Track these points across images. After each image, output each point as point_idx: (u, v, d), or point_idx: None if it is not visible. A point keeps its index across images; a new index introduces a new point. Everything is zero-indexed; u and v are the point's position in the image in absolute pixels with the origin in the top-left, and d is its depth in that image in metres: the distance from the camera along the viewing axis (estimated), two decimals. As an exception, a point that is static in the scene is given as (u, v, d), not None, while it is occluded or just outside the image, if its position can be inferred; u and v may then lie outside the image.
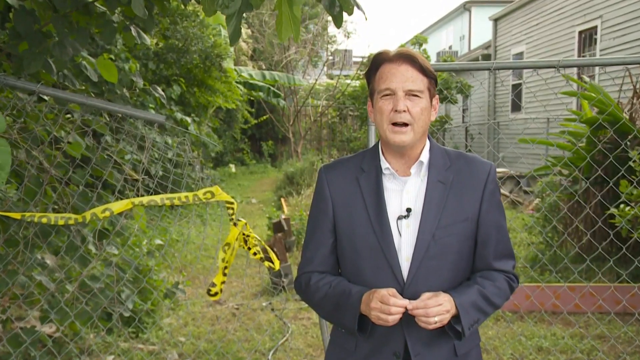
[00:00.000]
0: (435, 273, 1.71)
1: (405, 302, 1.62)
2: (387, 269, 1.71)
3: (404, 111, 1.69)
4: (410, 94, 1.70)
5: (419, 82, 1.70)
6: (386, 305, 1.61)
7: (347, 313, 1.71)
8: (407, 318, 1.68)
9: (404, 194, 1.76)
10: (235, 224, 2.85)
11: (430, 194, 1.74)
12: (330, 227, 1.81)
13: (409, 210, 1.73)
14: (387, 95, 1.71)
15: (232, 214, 2.85)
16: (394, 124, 1.70)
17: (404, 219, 1.73)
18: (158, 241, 5.66)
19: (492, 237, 1.78)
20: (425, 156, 1.78)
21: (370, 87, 1.79)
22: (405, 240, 1.72)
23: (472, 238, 1.77)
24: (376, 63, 1.76)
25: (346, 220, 1.78)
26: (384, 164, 1.78)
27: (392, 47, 1.80)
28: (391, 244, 1.72)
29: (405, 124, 1.70)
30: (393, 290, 1.65)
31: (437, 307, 1.61)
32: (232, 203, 2.86)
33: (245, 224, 2.86)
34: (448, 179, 1.76)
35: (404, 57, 1.71)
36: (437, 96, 1.79)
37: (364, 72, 1.87)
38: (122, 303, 3.76)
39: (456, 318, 1.67)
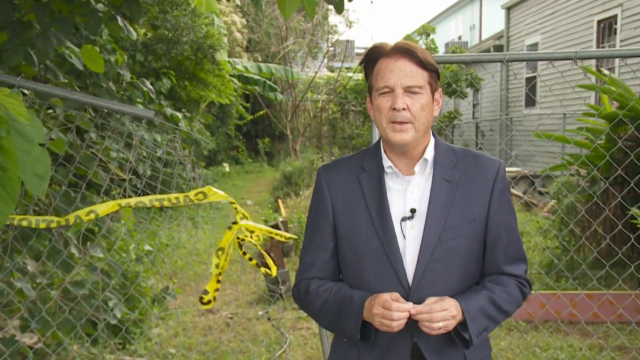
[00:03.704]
0: (442, 277, 1.72)
1: (409, 306, 1.64)
2: (391, 274, 1.72)
3: (403, 109, 1.69)
4: (410, 90, 1.70)
5: (418, 77, 1.71)
6: (388, 311, 1.62)
7: (349, 321, 1.72)
8: (415, 326, 1.69)
9: (408, 193, 1.76)
10: (232, 224, 2.86)
11: (436, 194, 1.75)
12: (330, 230, 1.82)
13: (413, 210, 1.74)
14: (385, 92, 1.72)
15: (235, 208, 2.86)
16: (394, 122, 1.71)
17: (408, 220, 1.74)
18: (147, 247, 5.67)
19: (502, 239, 1.79)
20: (429, 153, 1.79)
21: (368, 82, 1.80)
22: (409, 242, 1.73)
23: (481, 240, 1.78)
24: (373, 58, 1.77)
25: (347, 223, 1.79)
26: (386, 162, 1.79)
27: (397, 38, 1.82)
28: (395, 247, 1.72)
29: (406, 122, 1.70)
30: (396, 295, 1.66)
31: (441, 312, 1.62)
32: (233, 202, 2.87)
33: (241, 227, 2.86)
34: (454, 177, 1.77)
35: (402, 51, 1.72)
36: (439, 90, 1.80)
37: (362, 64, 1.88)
38: (108, 311, 3.77)
39: (463, 325, 1.68)
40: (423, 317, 1.63)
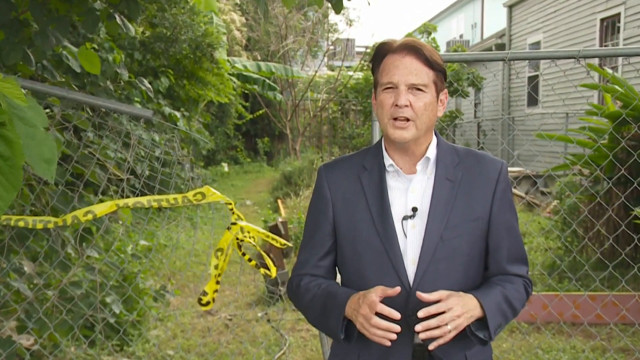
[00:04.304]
0: (443, 277, 1.72)
1: (394, 314, 1.59)
2: (392, 273, 1.72)
3: (406, 106, 1.70)
4: (414, 87, 1.71)
5: (423, 75, 1.71)
6: (370, 315, 1.60)
7: (331, 316, 1.72)
8: (416, 322, 1.69)
9: (409, 192, 1.77)
10: (231, 225, 2.86)
11: (438, 192, 1.75)
12: (329, 229, 1.83)
13: (414, 209, 1.74)
14: (389, 88, 1.73)
15: (232, 210, 2.86)
16: (395, 118, 1.71)
17: (409, 219, 1.74)
18: (143, 242, 5.67)
19: (505, 240, 1.79)
20: (431, 152, 1.79)
21: (374, 78, 1.81)
22: (411, 242, 1.74)
23: (483, 240, 1.78)
24: (380, 54, 1.78)
25: (347, 222, 1.80)
26: (388, 160, 1.79)
27: (398, 36, 1.82)
28: (396, 246, 1.73)
29: (407, 119, 1.71)
30: (381, 290, 1.62)
31: (448, 314, 1.60)
32: (229, 203, 2.87)
33: (241, 228, 2.86)
34: (457, 176, 1.77)
35: (409, 48, 1.72)
36: (445, 90, 1.80)
37: (367, 62, 1.90)
38: (106, 311, 3.77)
39: (478, 323, 1.67)
40: (431, 322, 1.59)
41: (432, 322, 1.60)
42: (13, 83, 1.44)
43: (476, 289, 1.75)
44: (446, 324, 1.59)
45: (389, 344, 1.62)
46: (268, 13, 2.46)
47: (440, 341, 1.61)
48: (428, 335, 1.61)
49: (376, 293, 1.62)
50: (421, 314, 1.60)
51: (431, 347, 1.62)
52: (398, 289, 1.63)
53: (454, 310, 1.61)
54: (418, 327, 1.60)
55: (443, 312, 1.61)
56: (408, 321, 1.71)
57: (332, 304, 1.73)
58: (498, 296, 1.71)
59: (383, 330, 1.60)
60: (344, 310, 1.69)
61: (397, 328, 1.60)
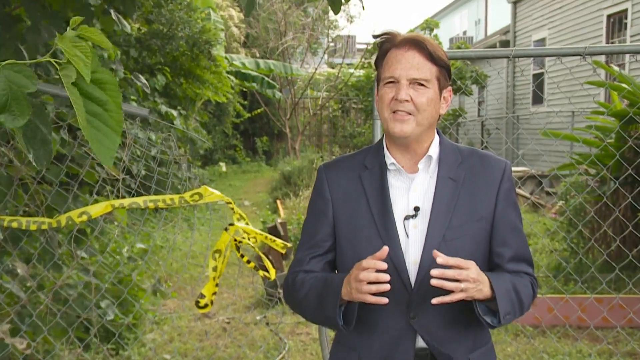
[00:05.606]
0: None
1: (381, 265, 1.59)
2: (394, 274, 1.71)
3: (407, 101, 1.70)
4: (415, 82, 1.71)
5: (425, 70, 1.71)
6: (358, 274, 1.59)
7: (329, 301, 1.70)
8: (418, 324, 1.69)
9: (411, 191, 1.77)
10: (229, 226, 2.86)
11: (440, 192, 1.75)
12: (329, 230, 1.83)
13: (416, 209, 1.74)
14: (390, 83, 1.73)
15: (232, 209, 2.86)
16: (395, 111, 1.71)
17: (411, 219, 1.74)
18: (140, 245, 5.66)
19: (509, 240, 1.79)
20: (434, 151, 1.79)
21: (377, 73, 1.81)
22: (412, 242, 1.74)
23: (487, 240, 1.78)
24: (383, 49, 1.78)
25: (348, 222, 1.80)
26: (389, 159, 1.79)
27: (400, 33, 1.81)
28: (397, 246, 1.73)
29: (408, 113, 1.70)
30: (370, 258, 1.62)
31: (465, 271, 1.59)
32: (230, 202, 2.87)
33: (238, 229, 2.86)
34: (460, 176, 1.77)
35: (412, 43, 1.72)
36: (449, 87, 1.80)
37: (368, 60, 1.89)
38: (101, 314, 3.77)
39: (485, 307, 1.67)
40: (448, 272, 1.58)
41: (449, 272, 1.58)
42: (97, 31, 1.43)
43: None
44: (459, 281, 1.58)
45: (385, 300, 1.60)
46: (252, 7, 2.45)
47: (446, 299, 1.59)
48: (440, 284, 1.58)
49: (365, 260, 1.62)
50: (440, 260, 1.59)
51: (434, 301, 1.60)
52: (386, 248, 1.61)
53: (470, 272, 1.60)
54: (434, 272, 1.58)
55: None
56: (410, 323, 1.71)
57: (328, 290, 1.71)
58: (507, 283, 1.70)
59: (374, 283, 1.59)
60: (340, 293, 1.67)
61: (386, 277, 1.59)
